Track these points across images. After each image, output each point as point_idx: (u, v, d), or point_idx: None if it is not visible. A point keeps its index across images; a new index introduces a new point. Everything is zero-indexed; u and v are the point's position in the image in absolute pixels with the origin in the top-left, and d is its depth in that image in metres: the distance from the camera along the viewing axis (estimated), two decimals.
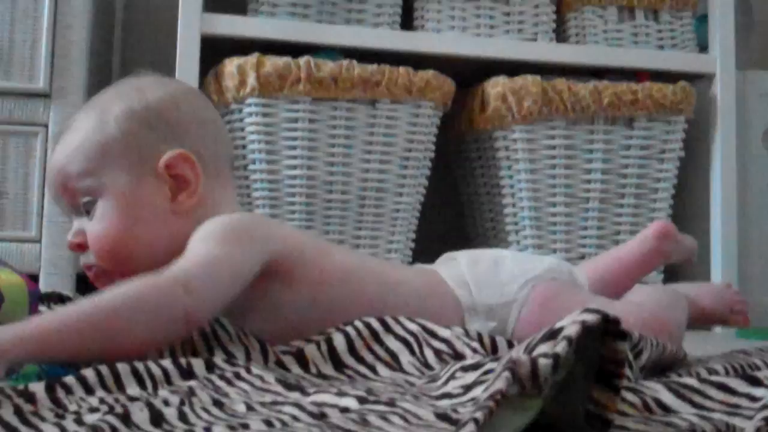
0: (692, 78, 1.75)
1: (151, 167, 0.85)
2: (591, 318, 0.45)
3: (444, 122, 1.64)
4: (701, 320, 1.18)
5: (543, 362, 0.43)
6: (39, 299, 0.79)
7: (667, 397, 0.59)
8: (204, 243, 0.79)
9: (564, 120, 1.62)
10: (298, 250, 0.85)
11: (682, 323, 1.04)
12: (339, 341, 0.77)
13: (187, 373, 0.65)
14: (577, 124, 1.63)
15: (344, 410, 0.55)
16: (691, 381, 0.60)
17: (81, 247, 0.85)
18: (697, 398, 0.59)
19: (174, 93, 0.90)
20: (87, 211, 0.85)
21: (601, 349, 0.46)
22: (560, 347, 0.44)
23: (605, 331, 0.46)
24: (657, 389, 0.59)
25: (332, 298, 0.85)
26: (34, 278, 1.00)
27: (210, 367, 0.67)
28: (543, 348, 0.44)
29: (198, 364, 0.66)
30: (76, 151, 0.85)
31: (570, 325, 0.45)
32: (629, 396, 0.58)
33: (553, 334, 0.45)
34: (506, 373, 0.42)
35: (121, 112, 0.86)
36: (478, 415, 0.40)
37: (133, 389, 0.62)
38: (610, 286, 1.09)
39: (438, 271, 0.95)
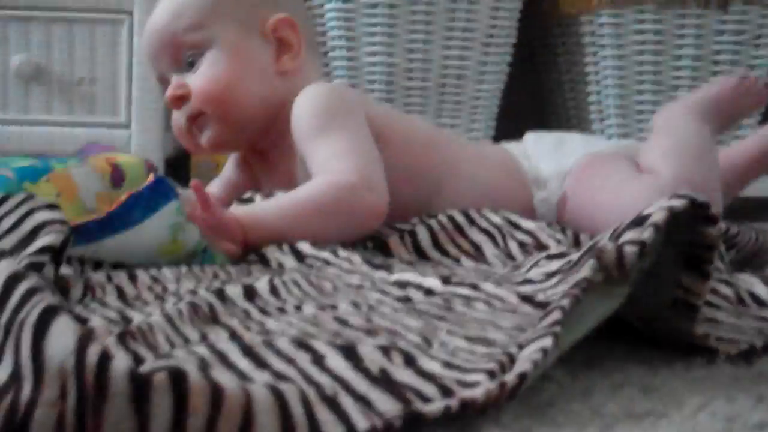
0: None
1: (258, 26, 0.89)
2: (679, 203, 0.44)
3: (527, 6, 1.59)
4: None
5: (629, 249, 0.43)
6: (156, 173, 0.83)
7: (763, 291, 0.57)
8: (340, 131, 0.80)
9: (654, 3, 1.55)
10: (384, 114, 0.89)
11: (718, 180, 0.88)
12: (423, 235, 0.77)
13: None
14: (668, 8, 1.56)
15: (428, 292, 0.56)
16: None
17: (182, 99, 0.87)
18: None
19: None
20: (191, 63, 0.87)
21: (692, 234, 0.45)
22: (647, 234, 0.43)
23: (694, 216, 0.45)
24: (752, 282, 0.58)
25: (419, 162, 0.86)
26: None
27: (299, 257, 0.69)
28: (630, 235, 0.44)
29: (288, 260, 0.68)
30: (185, 6, 0.87)
31: (657, 211, 0.44)
32: (722, 288, 0.57)
33: (640, 221, 0.45)
34: (591, 261, 0.43)
35: None
36: (565, 302, 0.40)
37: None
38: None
39: (505, 147, 0.97)
